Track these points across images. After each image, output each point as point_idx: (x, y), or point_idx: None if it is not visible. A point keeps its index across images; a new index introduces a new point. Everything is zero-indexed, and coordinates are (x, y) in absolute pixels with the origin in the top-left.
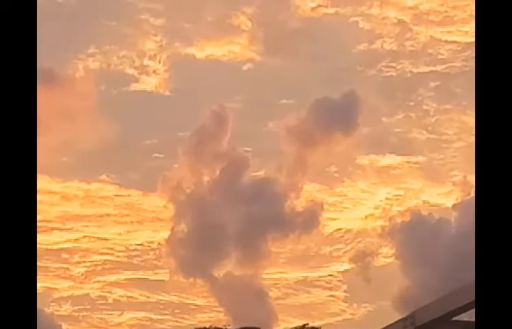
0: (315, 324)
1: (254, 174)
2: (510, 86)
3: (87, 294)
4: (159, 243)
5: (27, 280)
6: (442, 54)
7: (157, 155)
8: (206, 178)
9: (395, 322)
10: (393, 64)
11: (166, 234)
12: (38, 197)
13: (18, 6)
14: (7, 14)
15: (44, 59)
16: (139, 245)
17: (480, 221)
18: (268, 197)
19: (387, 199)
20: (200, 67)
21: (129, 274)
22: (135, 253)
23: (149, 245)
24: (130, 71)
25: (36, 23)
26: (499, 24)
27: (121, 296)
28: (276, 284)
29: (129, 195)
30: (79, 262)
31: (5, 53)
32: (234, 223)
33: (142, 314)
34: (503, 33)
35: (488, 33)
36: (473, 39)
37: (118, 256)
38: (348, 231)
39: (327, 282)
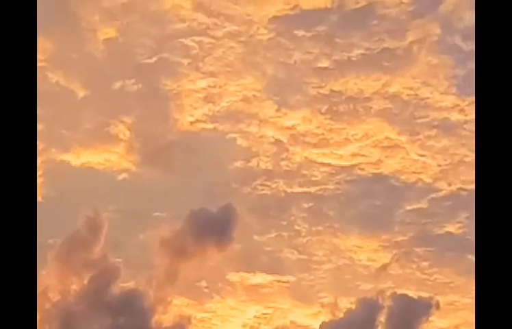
0: None
1: (123, 285)
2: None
3: None
4: None
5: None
6: (316, 176)
7: None
8: (74, 287)
9: None
10: (268, 183)
11: None
12: None
13: (17, 11)
14: (6, 17)
15: None
16: None
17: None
18: (136, 309)
19: (255, 317)
20: (75, 175)
21: None
22: None
23: None
24: None
25: (36, 25)
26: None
27: None
28: None
29: None
30: None
31: (4, 56)
32: None
33: None
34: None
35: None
36: (347, 163)
37: None
38: None
39: None
